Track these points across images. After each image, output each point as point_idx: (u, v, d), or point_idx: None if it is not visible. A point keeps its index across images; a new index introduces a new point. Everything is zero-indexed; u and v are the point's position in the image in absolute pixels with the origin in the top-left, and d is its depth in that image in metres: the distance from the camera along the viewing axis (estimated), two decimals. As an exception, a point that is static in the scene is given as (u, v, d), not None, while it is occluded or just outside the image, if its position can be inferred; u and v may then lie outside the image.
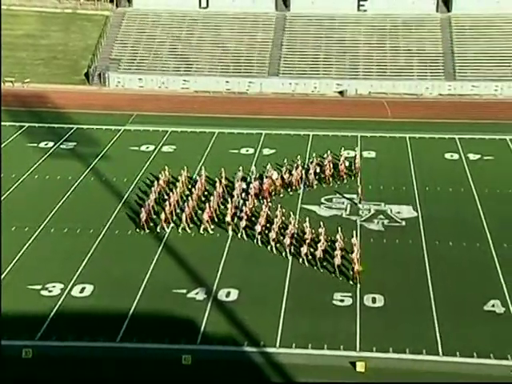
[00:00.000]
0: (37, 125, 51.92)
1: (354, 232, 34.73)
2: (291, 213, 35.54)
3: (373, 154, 45.92)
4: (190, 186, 40.70)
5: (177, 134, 51.03)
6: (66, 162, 45.18)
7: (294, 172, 41.36)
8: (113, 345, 27.84)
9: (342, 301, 30.69)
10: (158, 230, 36.49)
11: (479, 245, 35.38)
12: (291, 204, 38.94)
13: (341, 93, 61.57)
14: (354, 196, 40.12)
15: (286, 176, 41.02)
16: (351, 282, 31.90)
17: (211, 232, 36.34)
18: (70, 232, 36.46)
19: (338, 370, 26.54)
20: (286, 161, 42.76)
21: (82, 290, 31.36)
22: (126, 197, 40.59)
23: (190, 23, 68.51)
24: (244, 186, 40.26)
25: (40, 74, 63.20)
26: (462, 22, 66.65)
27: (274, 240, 34.29)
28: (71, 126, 51.87)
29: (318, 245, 33.02)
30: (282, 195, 40.39)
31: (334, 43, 65.90)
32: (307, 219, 34.98)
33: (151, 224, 36.81)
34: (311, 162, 43.17)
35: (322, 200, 40.17)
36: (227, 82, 62.72)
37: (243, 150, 47.86)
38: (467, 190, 41.58)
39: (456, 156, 46.96)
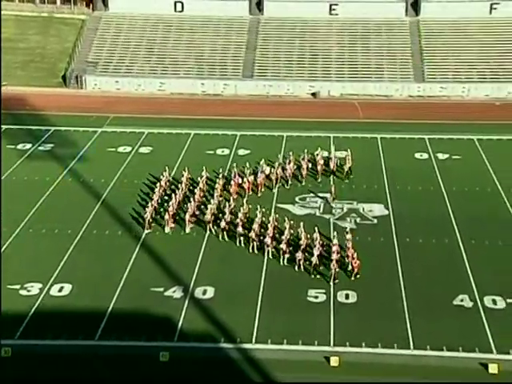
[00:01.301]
0: (15, 127, 51.93)
1: (347, 229, 35.62)
2: (286, 218, 35.79)
3: (345, 154, 46.62)
4: (191, 187, 41.10)
5: (153, 135, 51.40)
6: (43, 164, 45.42)
7: (274, 170, 42.38)
8: (91, 343, 28.29)
9: (316, 297, 31.36)
10: (166, 231, 36.90)
11: (448, 241, 36.18)
12: (266, 203, 39.56)
13: (313, 94, 62.29)
14: (328, 195, 40.82)
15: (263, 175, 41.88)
16: (352, 278, 32.55)
17: (188, 231, 36.95)
18: (49, 232, 36.82)
19: (313, 365, 27.19)
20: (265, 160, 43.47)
21: (61, 289, 31.78)
22: (103, 197, 41.01)
23: (166, 27, 68.91)
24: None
25: (18, 77, 63.26)
26: (430, 26, 67.67)
27: (254, 240, 34.80)
28: (49, 127, 51.97)
29: (314, 250, 33.17)
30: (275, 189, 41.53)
31: (307, 46, 66.61)
32: (301, 224, 35.30)
33: (153, 224, 37.25)
34: (303, 159, 43.88)
35: (297, 199, 40.83)
36: (202, 84, 63.20)
37: (219, 151, 48.37)
38: (436, 189, 42.38)
39: (425, 155, 47.72)
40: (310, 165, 43.39)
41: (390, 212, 39.31)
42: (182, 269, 33.51)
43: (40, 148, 48.55)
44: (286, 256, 33.68)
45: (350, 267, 32.86)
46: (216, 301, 31.15)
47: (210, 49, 66.54)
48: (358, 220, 38.28)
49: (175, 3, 69.67)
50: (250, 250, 34.94)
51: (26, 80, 63.08)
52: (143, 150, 48.83)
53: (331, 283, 32.21)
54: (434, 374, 26.79)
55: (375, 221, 37.84)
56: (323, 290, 31.80)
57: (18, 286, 31.71)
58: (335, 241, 33.83)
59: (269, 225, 35.32)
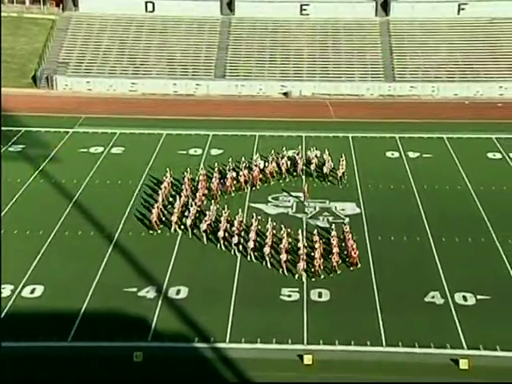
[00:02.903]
0: (-16, 128, 51.60)
1: (345, 221, 36.32)
2: (283, 226, 35.70)
3: (317, 153, 46.81)
4: (193, 189, 41.11)
5: (126, 135, 51.26)
6: (14, 165, 44.95)
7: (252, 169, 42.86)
8: (65, 344, 28.18)
9: (289, 296, 31.52)
10: (173, 231, 36.80)
11: (419, 239, 36.54)
12: (239, 203, 39.70)
13: (285, 94, 62.57)
14: (300, 194, 41.06)
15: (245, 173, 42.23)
16: (351, 269, 33.19)
17: (159, 231, 36.96)
18: (20, 234, 36.57)
19: (286, 364, 27.32)
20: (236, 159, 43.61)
21: (33, 290, 31.61)
22: (75, 198, 40.82)
23: (137, 27, 68.74)
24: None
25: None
26: (399, 26, 68.39)
27: (237, 243, 34.77)
28: (19, 128, 51.59)
29: (316, 255, 33.06)
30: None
31: (278, 46, 66.92)
32: (299, 231, 35.33)
33: (161, 226, 37.13)
34: (297, 154, 44.41)
35: (269, 198, 41.00)
36: (174, 84, 63.19)
37: (191, 151, 48.38)
38: (407, 187, 42.78)
39: (396, 154, 48.17)
40: (288, 164, 43.74)
41: (362, 210, 39.61)
42: (155, 269, 33.49)
43: (10, 149, 48.14)
44: (268, 257, 33.73)
45: (349, 259, 33.59)
46: (190, 300, 31.18)
47: (182, 49, 66.58)
48: (330, 219, 38.51)
49: (146, 3, 69.60)
50: (221, 248, 35.07)
51: (-4, 80, 62.53)
52: (115, 150, 48.69)
53: (313, 279, 32.57)
54: (406, 370, 27.04)
55: (347, 219, 38.07)
56: (296, 289, 31.97)
57: (-11, 288, 31.49)
58: (316, 237, 34.15)
59: (251, 227, 35.21)
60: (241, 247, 34.84)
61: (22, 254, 34.50)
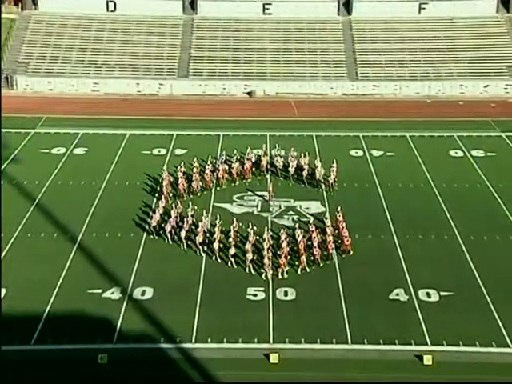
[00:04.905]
0: None
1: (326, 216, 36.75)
2: (281, 229, 35.73)
3: (282, 153, 47.02)
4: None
5: (88, 136, 50.82)
6: (-26, 167, 44.53)
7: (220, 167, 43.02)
8: (27, 347, 27.87)
9: (255, 295, 31.56)
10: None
11: (384, 237, 36.84)
12: (204, 202, 39.62)
13: (249, 93, 62.58)
14: (265, 193, 41.11)
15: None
16: (343, 256, 34.20)
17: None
18: (-18, 236, 36.09)
19: (253, 363, 27.35)
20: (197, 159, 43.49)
21: (-5, 293, 31.18)
22: (38, 200, 40.36)
23: (99, 26, 68.11)
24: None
25: None
26: (361, 25, 68.79)
27: (218, 247, 34.47)
28: (-22, 129, 50.98)
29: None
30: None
31: (242, 45, 66.90)
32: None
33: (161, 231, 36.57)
34: (292, 156, 44.31)
35: (234, 198, 41.00)
36: (138, 84, 62.79)
37: (155, 151, 48.16)
38: (371, 185, 43.10)
39: (360, 153, 48.52)
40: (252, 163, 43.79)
41: (327, 209, 39.78)
42: (119, 270, 33.29)
43: (-30, 151, 47.48)
44: (232, 255, 33.72)
45: (342, 247, 34.53)
46: (155, 301, 31.05)
47: (145, 48, 66.22)
48: (295, 218, 38.61)
49: (107, 2, 69.07)
50: (185, 249, 34.98)
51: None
52: (78, 150, 48.26)
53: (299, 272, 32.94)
54: (371, 367, 27.27)
55: (312, 218, 38.21)
56: (262, 288, 32.01)
57: (-50, 292, 30.98)
58: (283, 236, 34.27)
59: (215, 228, 35.11)
60: (206, 248, 34.75)
61: (-16, 257, 34.02)
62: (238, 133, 51.36)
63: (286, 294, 31.71)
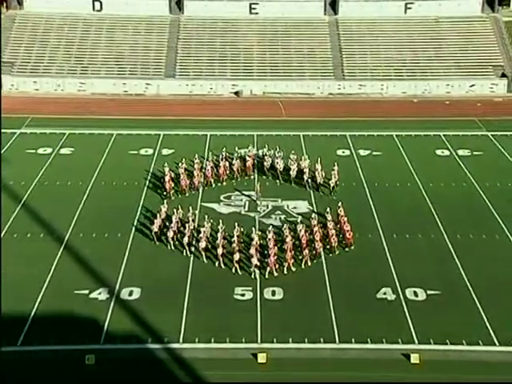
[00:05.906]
0: None
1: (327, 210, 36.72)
2: (284, 224, 36.00)
3: (270, 153, 47.00)
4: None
5: (75, 136, 50.63)
6: (-41, 168, 44.21)
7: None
8: (14, 349, 27.69)
9: (242, 295, 31.55)
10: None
11: (371, 236, 36.94)
12: (191, 202, 39.53)
13: (236, 93, 62.57)
14: (252, 193, 41.13)
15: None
16: (346, 249, 34.63)
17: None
18: (-33, 237, 35.89)
19: (241, 363, 27.34)
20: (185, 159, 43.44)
21: (-19, 294, 31.02)
22: (24, 200, 40.17)
23: (85, 26, 67.83)
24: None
25: None
26: (348, 25, 68.93)
27: (204, 249, 34.34)
28: (-37, 130, 50.65)
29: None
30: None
31: (228, 45, 66.87)
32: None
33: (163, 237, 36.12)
34: (290, 158, 44.12)
35: (221, 198, 40.99)
36: (124, 84, 62.64)
37: (142, 151, 48.07)
38: (359, 184, 43.24)
39: (347, 152, 48.60)
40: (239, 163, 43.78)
41: (314, 208, 39.82)
42: (107, 270, 33.18)
43: (-45, 151, 47.19)
44: (220, 257, 33.67)
45: (344, 241, 35.07)
46: (142, 301, 30.97)
47: (131, 48, 66.06)
48: (282, 217, 38.64)
49: (93, 2, 68.78)
50: (172, 249, 34.94)
51: None
52: (64, 151, 48.09)
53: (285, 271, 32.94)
54: (359, 366, 27.31)
55: (300, 217, 38.23)
56: (250, 288, 32.01)
57: None
58: (270, 235, 34.24)
59: (203, 229, 34.98)
60: (193, 248, 34.68)
61: (-30, 257, 33.76)
62: (225, 133, 51.33)
63: (273, 293, 31.70)
